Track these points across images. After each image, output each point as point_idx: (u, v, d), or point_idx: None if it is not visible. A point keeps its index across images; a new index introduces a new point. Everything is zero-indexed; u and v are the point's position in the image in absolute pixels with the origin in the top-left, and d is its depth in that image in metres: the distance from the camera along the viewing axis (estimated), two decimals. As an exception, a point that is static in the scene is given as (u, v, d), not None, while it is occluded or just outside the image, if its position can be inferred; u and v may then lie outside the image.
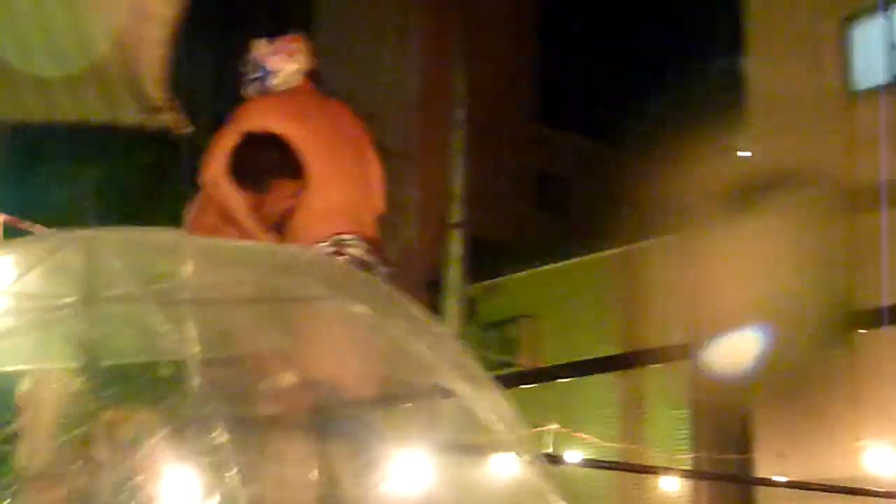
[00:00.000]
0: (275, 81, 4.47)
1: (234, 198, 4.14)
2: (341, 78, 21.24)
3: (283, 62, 4.49)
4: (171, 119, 3.61)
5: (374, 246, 4.29)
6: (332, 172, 4.29)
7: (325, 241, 4.17)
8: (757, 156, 16.88)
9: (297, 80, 4.52)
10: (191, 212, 4.39)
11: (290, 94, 4.47)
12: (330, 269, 3.12)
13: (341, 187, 4.31)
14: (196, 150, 4.51)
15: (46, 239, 2.77)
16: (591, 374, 14.32)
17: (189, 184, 4.45)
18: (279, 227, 4.24)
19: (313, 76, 4.59)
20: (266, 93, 4.47)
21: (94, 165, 19.77)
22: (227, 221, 4.17)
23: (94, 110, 3.63)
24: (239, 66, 4.56)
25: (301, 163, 4.18)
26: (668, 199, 17.81)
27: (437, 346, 2.82)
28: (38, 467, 2.58)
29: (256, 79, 4.49)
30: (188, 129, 3.77)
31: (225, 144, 4.18)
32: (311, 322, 2.95)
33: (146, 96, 3.47)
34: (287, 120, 4.25)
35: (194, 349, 2.50)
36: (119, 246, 2.66)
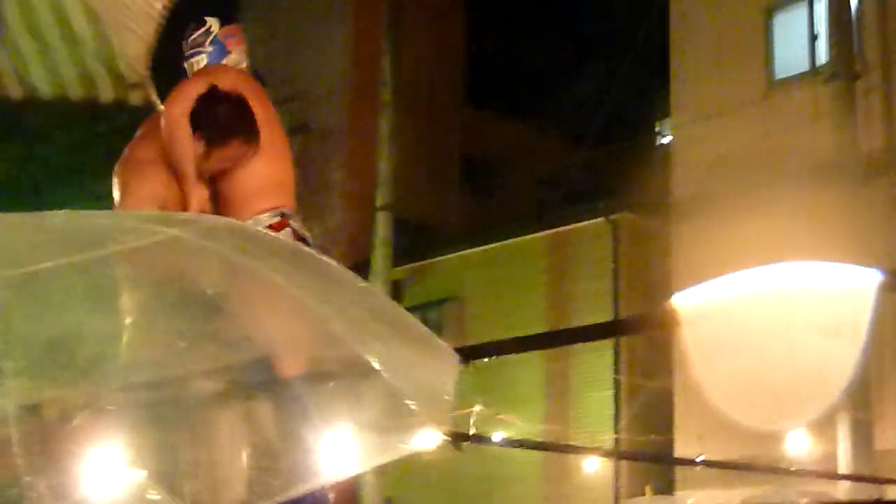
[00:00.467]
0: (225, 62, 4.54)
1: (186, 143, 4.15)
2: (265, 56, 21.11)
3: (236, 47, 4.59)
4: (148, 95, 3.63)
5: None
6: (281, 148, 4.41)
7: (269, 212, 4.24)
8: (680, 142, 17.08)
9: (242, 66, 4.61)
10: (131, 143, 4.40)
11: (243, 71, 4.57)
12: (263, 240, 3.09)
13: (285, 163, 4.42)
14: (116, 131, 4.51)
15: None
16: (514, 353, 14.36)
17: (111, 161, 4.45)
18: (213, 182, 4.30)
19: (253, 71, 4.71)
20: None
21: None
22: (165, 160, 4.20)
23: (71, 86, 3.63)
24: (188, 35, 4.60)
25: (254, 129, 4.24)
26: (595, 182, 17.99)
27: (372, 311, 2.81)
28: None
29: (208, 53, 4.53)
30: (158, 104, 3.79)
31: (194, 90, 4.20)
32: (241, 293, 2.94)
33: (124, 74, 3.47)
34: (252, 90, 4.35)
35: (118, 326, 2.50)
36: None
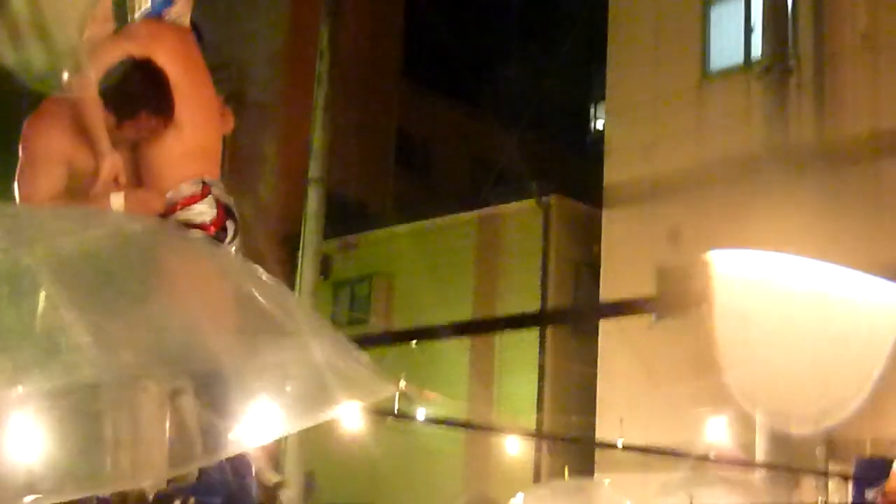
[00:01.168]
0: (167, 12, 4.39)
1: (94, 107, 4.04)
2: (199, 21, 20.83)
3: None
4: (80, 65, 3.55)
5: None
6: (204, 117, 4.31)
7: (190, 181, 4.18)
8: (614, 127, 17.18)
9: (185, 21, 4.48)
10: (47, 100, 4.25)
11: (179, 30, 4.41)
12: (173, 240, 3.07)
13: (209, 132, 4.34)
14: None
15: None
16: (440, 338, 14.44)
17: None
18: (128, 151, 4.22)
19: (193, 24, 4.57)
20: (157, 17, 4.37)
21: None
22: (78, 121, 4.09)
23: (2, 54, 3.54)
24: None
25: (167, 102, 4.12)
26: (528, 164, 18.02)
27: (281, 301, 2.82)
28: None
29: (146, 12, 4.37)
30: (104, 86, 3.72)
31: (108, 57, 4.08)
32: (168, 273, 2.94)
33: (57, 44, 3.39)
34: (174, 58, 4.21)
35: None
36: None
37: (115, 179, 4.11)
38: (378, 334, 16.67)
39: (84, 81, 4.06)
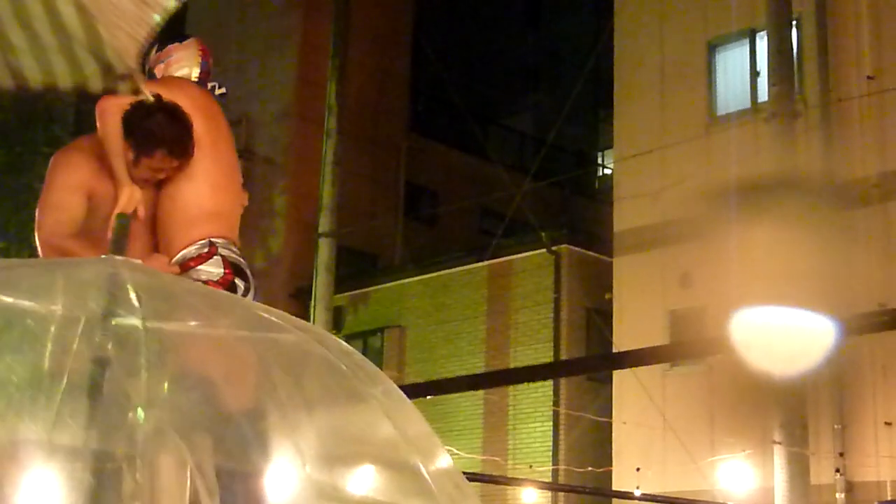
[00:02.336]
0: (197, 73, 4.54)
1: (114, 139, 4.10)
2: (212, 79, 20.97)
3: (209, 60, 4.60)
4: (137, 87, 3.59)
5: (241, 251, 4.33)
6: (224, 179, 4.32)
7: (197, 244, 4.17)
8: (622, 174, 17.16)
9: (192, 74, 4.56)
10: (64, 153, 4.34)
11: (207, 95, 4.50)
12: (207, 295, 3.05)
13: (228, 194, 4.34)
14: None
15: None
16: (454, 391, 14.34)
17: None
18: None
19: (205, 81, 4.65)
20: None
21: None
22: (100, 177, 4.15)
23: (61, 76, 3.59)
24: (164, 44, 4.57)
25: (184, 146, 4.15)
26: (538, 213, 18.00)
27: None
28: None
29: (199, 68, 4.54)
30: (152, 98, 3.78)
31: (131, 94, 4.15)
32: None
33: (113, 65, 3.42)
34: (201, 115, 4.25)
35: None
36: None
37: (135, 212, 4.18)
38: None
39: (101, 109, 4.13)
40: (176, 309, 2.69)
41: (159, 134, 4.09)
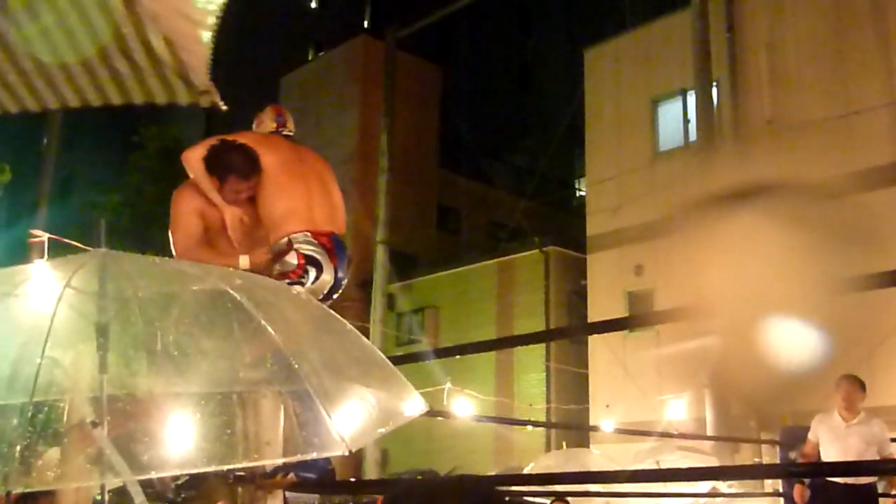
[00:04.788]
0: (282, 130, 4.51)
1: (203, 178, 4.09)
2: (300, 135, 21.02)
3: (289, 120, 4.55)
4: (214, 100, 3.56)
5: (325, 238, 4.16)
6: (288, 186, 4.19)
7: (282, 240, 4.09)
8: (592, 194, 17.06)
9: (289, 133, 4.55)
10: (179, 191, 4.27)
11: (279, 138, 4.45)
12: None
13: (296, 196, 4.19)
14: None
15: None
16: (475, 353, 14.28)
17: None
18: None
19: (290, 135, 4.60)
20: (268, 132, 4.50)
21: (114, 192, 19.31)
22: (207, 203, 4.13)
23: (157, 94, 3.58)
24: (264, 114, 4.59)
25: (251, 172, 4.11)
26: (531, 223, 17.95)
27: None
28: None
29: (274, 122, 4.51)
30: (226, 107, 3.75)
31: (208, 142, 4.15)
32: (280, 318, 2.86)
33: (194, 83, 3.40)
34: (259, 145, 4.21)
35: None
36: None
37: (243, 221, 4.13)
38: (430, 351, 16.59)
39: (186, 160, 4.14)
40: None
41: (228, 163, 4.08)
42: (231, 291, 2.30)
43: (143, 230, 17.42)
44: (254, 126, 4.56)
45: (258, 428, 2.95)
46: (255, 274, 2.93)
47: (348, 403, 2.71)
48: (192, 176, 4.14)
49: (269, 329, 2.52)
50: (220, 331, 2.53)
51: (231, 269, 3.12)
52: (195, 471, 2.84)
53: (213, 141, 4.16)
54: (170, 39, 3.22)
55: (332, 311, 2.83)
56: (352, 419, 2.70)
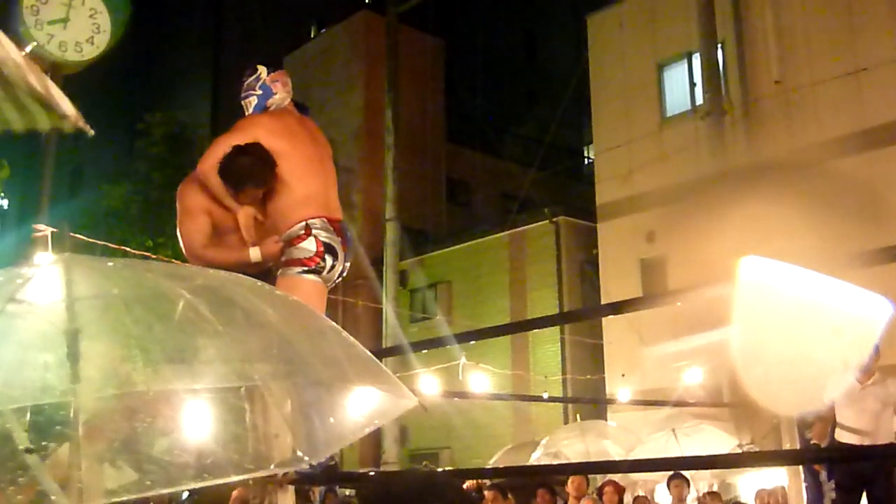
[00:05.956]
0: (270, 101, 4.36)
1: (217, 187, 4.06)
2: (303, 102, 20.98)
3: (281, 88, 4.39)
4: (78, 125, 3.49)
5: (337, 225, 4.15)
6: (306, 170, 4.15)
7: (298, 224, 4.06)
8: (600, 163, 16.94)
9: (286, 104, 4.41)
10: (185, 186, 4.25)
11: (280, 113, 4.34)
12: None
13: (313, 181, 4.16)
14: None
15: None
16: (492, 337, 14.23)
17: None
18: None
19: (295, 103, 4.49)
20: (262, 109, 4.35)
21: (122, 182, 19.36)
22: (214, 199, 4.12)
23: (14, 121, 3.52)
24: (244, 79, 4.42)
25: (267, 175, 4.06)
26: (541, 194, 17.86)
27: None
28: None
29: (257, 95, 4.36)
30: (92, 132, 3.65)
31: (220, 149, 4.07)
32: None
33: (55, 109, 3.34)
34: (271, 133, 4.14)
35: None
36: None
37: (255, 219, 4.11)
38: (444, 337, 16.65)
39: (201, 170, 4.10)
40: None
41: (244, 174, 4.05)
42: (187, 294, 2.23)
43: (154, 218, 17.46)
44: (264, 84, 4.38)
45: (257, 431, 2.93)
46: (238, 273, 2.88)
47: (332, 404, 2.70)
48: (209, 187, 4.10)
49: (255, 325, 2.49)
50: (203, 327, 2.47)
51: (202, 268, 3.07)
52: (182, 488, 2.76)
53: (224, 146, 4.09)
54: (19, 65, 3.12)
55: (313, 310, 2.79)
56: (336, 421, 2.69)
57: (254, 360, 2.51)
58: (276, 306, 2.47)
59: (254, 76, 4.40)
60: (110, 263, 2.34)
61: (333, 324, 2.54)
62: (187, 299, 2.20)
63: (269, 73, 4.40)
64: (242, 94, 4.43)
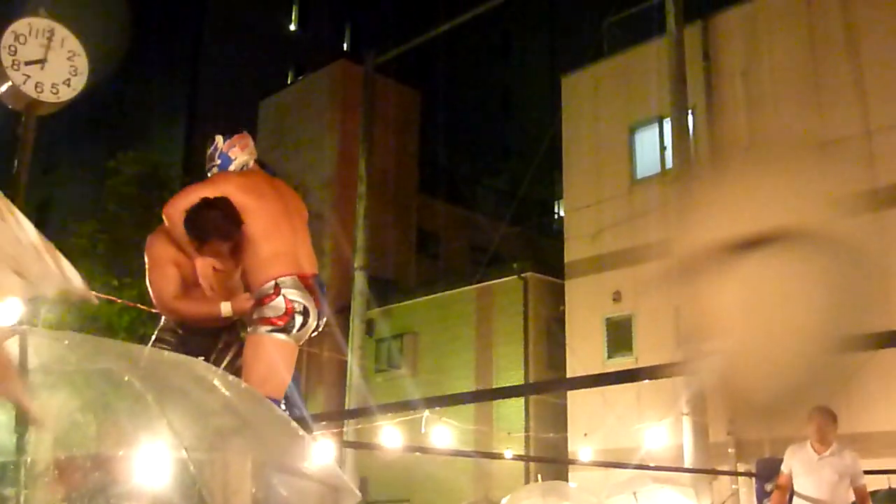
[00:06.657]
0: (232, 167, 4.37)
1: (181, 235, 4.08)
2: (278, 159, 21.05)
3: (239, 152, 4.40)
4: (85, 296, 3.44)
5: (310, 281, 4.12)
6: (274, 228, 4.15)
7: (268, 284, 4.04)
8: (570, 221, 17.10)
9: (250, 165, 4.42)
10: (154, 237, 4.25)
11: (249, 172, 4.36)
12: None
13: (281, 238, 4.15)
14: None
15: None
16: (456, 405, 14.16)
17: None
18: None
19: (259, 163, 4.50)
20: (226, 170, 4.38)
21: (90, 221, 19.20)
22: (183, 251, 4.13)
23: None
24: (205, 153, 4.45)
25: (232, 230, 4.07)
26: (510, 249, 17.97)
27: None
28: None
29: (217, 165, 4.37)
30: (97, 301, 3.68)
31: (187, 199, 4.10)
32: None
33: (65, 285, 3.30)
34: (239, 189, 4.15)
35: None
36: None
37: (214, 268, 4.10)
38: (411, 401, 16.55)
39: (168, 217, 4.12)
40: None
41: (209, 227, 4.06)
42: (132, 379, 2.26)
43: (120, 256, 17.29)
44: (230, 149, 4.42)
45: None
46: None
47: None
48: (172, 232, 4.12)
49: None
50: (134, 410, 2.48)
51: (139, 347, 3.08)
52: None
53: (193, 196, 4.11)
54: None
55: (248, 390, 2.81)
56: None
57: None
58: (206, 392, 2.51)
59: (212, 147, 4.45)
60: (66, 341, 2.37)
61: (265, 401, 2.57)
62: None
63: (225, 141, 4.43)
64: (206, 167, 4.47)
